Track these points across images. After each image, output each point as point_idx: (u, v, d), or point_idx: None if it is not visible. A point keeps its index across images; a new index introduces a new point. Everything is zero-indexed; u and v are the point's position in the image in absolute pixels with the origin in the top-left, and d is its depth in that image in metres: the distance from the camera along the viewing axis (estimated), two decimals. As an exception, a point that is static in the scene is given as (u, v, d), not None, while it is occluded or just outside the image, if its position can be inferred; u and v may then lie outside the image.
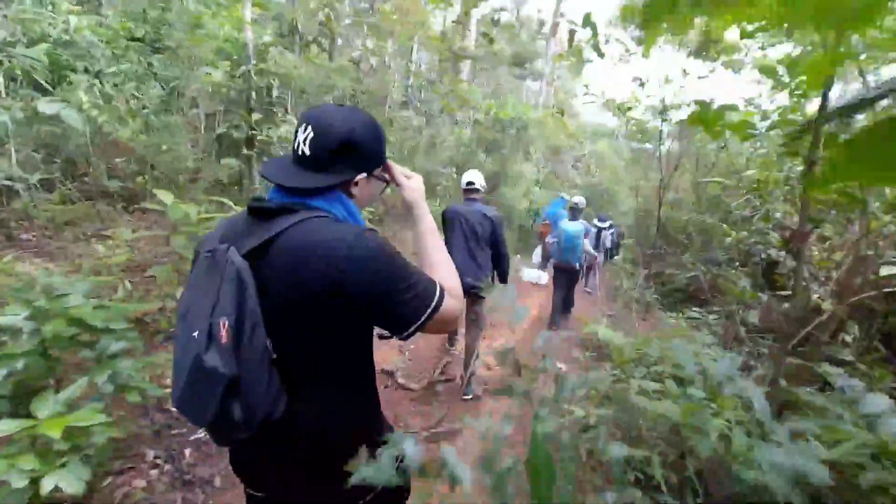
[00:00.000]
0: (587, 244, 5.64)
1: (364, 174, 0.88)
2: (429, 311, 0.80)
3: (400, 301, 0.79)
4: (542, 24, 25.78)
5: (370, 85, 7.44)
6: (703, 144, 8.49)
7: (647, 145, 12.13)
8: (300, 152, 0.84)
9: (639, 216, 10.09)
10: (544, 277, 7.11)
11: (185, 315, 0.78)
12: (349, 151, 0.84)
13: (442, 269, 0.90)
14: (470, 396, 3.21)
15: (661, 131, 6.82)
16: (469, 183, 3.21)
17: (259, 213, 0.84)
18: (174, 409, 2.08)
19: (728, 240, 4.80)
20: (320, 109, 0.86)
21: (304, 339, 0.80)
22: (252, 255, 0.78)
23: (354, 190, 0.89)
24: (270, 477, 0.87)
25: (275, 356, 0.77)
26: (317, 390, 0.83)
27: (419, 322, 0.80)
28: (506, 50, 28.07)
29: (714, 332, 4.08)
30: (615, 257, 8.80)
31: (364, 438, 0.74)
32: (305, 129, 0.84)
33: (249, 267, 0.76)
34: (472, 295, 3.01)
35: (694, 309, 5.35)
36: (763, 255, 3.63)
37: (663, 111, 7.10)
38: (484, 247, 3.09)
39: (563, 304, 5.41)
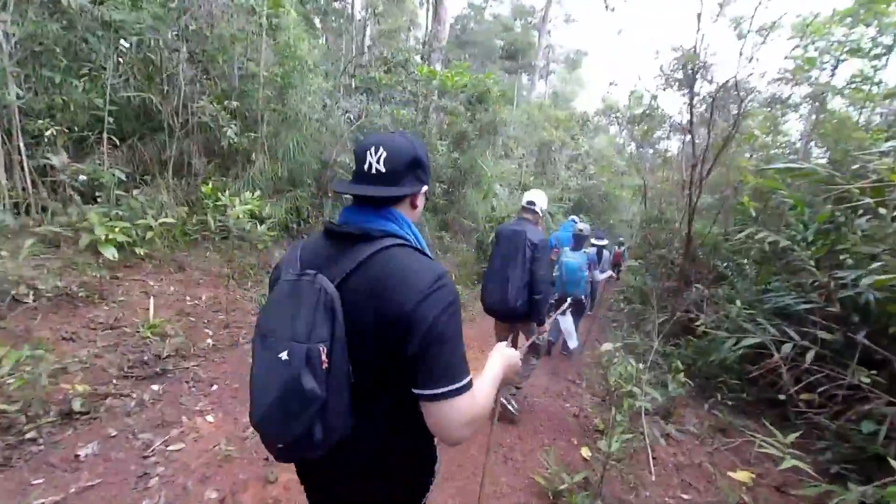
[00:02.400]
0: (597, 274, 5.45)
1: (426, 186, 0.96)
2: (457, 385, 0.80)
3: (443, 358, 0.79)
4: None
5: (205, 44, 4.65)
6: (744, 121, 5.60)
7: (658, 133, 9.31)
8: (374, 171, 0.87)
9: (648, 229, 7.18)
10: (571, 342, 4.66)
11: (268, 336, 0.80)
12: (417, 166, 0.92)
13: (487, 395, 0.92)
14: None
15: (691, 96, 3.97)
16: (529, 202, 2.96)
17: (340, 237, 0.88)
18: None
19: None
20: (379, 135, 0.91)
21: (373, 364, 0.82)
22: (340, 283, 0.81)
23: (417, 202, 0.95)
24: (332, 490, 0.94)
25: (354, 380, 0.80)
26: (379, 412, 0.86)
27: (446, 388, 0.78)
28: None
29: None
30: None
31: (418, 460, 0.94)
32: (377, 151, 0.88)
33: (339, 294, 0.80)
34: (508, 318, 2.93)
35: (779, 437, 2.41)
36: None
37: (693, 67, 4.28)
38: (522, 271, 2.79)
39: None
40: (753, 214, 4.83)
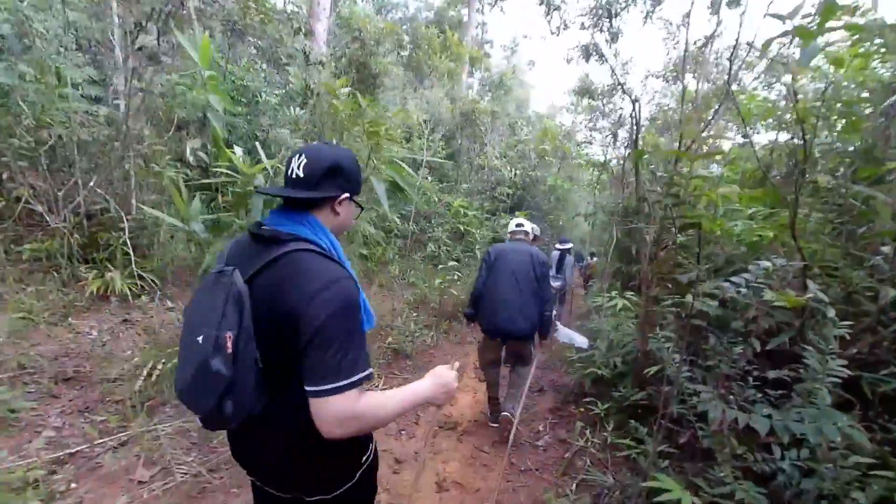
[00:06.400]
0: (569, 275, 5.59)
1: (348, 194, 1.02)
2: (333, 385, 0.84)
3: (325, 358, 0.85)
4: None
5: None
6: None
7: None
8: (294, 176, 0.97)
9: (623, 235, 3.39)
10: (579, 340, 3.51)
11: (190, 321, 0.92)
12: (336, 173, 0.99)
13: (387, 405, 0.94)
14: (497, 424, 2.94)
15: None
16: (518, 225, 3.17)
17: (256, 238, 0.98)
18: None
19: None
20: (311, 144, 1.02)
21: (278, 353, 0.90)
22: (250, 279, 0.91)
23: (339, 209, 1.02)
24: (260, 461, 1.02)
25: (261, 365, 0.89)
26: (290, 393, 0.91)
27: (323, 387, 0.84)
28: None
29: None
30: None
31: (337, 444, 0.91)
32: (300, 158, 0.98)
33: (249, 289, 0.89)
34: (517, 338, 2.88)
35: None
36: None
37: None
38: (529, 289, 2.86)
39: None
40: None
